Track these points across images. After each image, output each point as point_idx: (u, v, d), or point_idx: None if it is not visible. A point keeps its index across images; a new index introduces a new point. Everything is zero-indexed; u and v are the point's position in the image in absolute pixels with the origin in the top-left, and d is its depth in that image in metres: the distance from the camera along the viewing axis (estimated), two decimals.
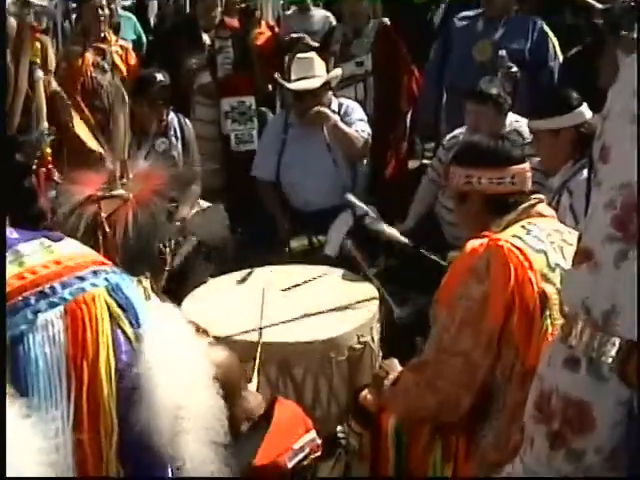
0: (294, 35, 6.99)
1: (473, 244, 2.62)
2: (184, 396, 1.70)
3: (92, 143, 5.20)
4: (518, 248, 2.56)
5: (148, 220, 2.09)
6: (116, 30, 7.21)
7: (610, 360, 1.60)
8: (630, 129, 1.57)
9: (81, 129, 5.44)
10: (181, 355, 1.74)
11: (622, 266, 1.57)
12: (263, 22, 7.45)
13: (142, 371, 1.66)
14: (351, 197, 4.96)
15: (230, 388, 2.07)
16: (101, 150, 2.25)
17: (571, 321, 1.70)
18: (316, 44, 6.60)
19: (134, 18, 9.12)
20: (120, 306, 1.71)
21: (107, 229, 2.03)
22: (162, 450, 1.68)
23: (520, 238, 2.62)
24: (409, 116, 6.79)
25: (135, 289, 1.78)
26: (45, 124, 4.80)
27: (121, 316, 1.70)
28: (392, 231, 4.72)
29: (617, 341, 1.59)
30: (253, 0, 7.59)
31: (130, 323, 1.71)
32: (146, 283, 1.83)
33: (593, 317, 1.61)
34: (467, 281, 2.57)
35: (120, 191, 2.10)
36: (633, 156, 1.55)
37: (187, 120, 5.46)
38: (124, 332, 1.69)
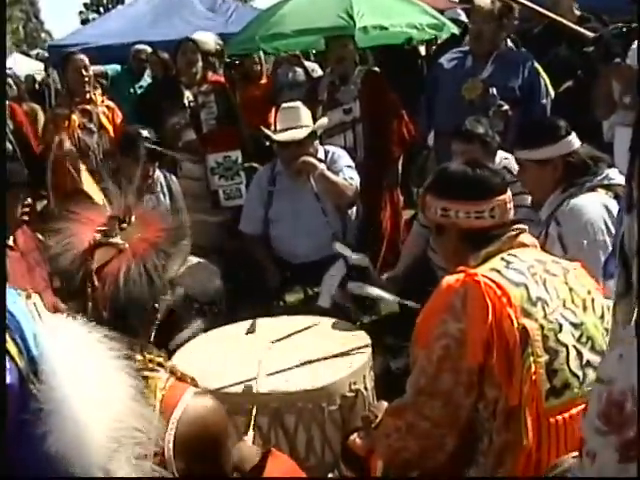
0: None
1: (449, 280, 2.51)
2: (104, 410, 1.61)
3: (98, 198, 5.19)
4: (496, 283, 2.45)
5: (141, 275, 2.02)
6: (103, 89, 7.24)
7: None
8: None
9: (89, 185, 5.45)
10: (88, 366, 1.64)
11: None
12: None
13: (46, 392, 1.57)
14: (339, 247, 4.81)
15: (213, 438, 2.04)
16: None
17: None
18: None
19: None
20: None
21: (96, 281, 1.97)
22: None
23: (499, 272, 2.52)
24: (401, 162, 6.73)
25: (21, 304, 1.65)
26: None
27: None
28: (379, 292, 4.44)
29: None
30: (250, 53, 7.65)
31: (14, 340, 1.58)
32: (36, 298, 1.69)
33: None
34: (444, 319, 2.46)
35: (117, 239, 2.05)
36: None
37: (173, 176, 5.41)
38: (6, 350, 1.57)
